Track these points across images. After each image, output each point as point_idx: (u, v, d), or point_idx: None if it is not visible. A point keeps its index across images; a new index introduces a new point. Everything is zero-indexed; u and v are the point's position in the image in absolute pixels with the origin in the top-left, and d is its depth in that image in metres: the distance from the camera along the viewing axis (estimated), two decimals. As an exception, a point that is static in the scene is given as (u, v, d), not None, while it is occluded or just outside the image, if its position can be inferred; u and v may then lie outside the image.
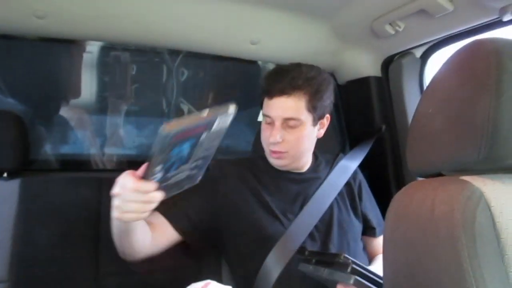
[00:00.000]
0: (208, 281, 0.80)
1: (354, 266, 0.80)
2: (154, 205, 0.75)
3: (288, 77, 1.01)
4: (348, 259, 0.81)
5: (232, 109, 0.69)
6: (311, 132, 1.06)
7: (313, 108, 1.02)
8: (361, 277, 0.79)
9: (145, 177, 0.71)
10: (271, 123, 1.03)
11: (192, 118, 0.65)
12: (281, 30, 1.25)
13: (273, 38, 1.27)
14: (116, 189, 0.74)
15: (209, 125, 0.67)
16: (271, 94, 1.02)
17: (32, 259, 1.03)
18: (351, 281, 0.78)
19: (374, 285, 0.80)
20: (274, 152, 1.05)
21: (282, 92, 1.01)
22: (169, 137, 0.62)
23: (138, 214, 0.75)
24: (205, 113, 0.65)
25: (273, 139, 1.02)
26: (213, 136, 0.70)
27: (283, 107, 1.01)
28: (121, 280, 1.10)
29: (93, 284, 1.06)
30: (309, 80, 1.02)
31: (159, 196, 0.73)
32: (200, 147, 0.70)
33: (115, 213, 0.75)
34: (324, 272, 0.86)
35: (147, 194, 0.72)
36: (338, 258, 0.83)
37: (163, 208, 1.00)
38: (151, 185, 0.71)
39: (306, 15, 1.21)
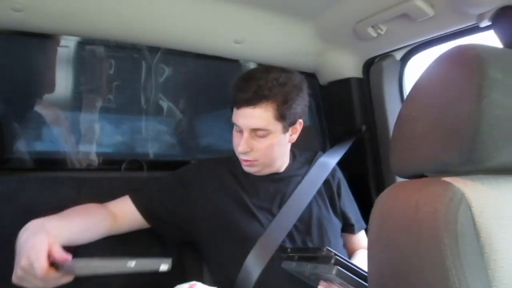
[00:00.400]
0: (194, 282, 0.80)
1: (337, 257, 0.81)
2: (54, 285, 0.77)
3: (254, 86, 0.98)
4: (331, 251, 0.82)
5: (164, 267, 0.71)
6: (282, 139, 1.05)
7: (282, 116, 1.00)
8: (344, 268, 0.80)
9: (58, 266, 0.74)
10: (241, 131, 1.03)
11: (109, 265, 0.70)
12: (265, 30, 1.25)
13: (257, 38, 1.27)
14: (24, 260, 0.75)
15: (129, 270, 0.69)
16: (238, 104, 1.00)
17: (8, 262, 1.00)
18: (334, 272, 0.79)
19: (357, 276, 0.80)
20: (245, 160, 1.06)
21: (248, 102, 0.98)
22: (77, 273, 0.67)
23: (33, 286, 0.76)
24: (132, 263, 0.69)
25: (241, 149, 1.01)
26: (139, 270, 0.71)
27: (249, 117, 0.99)
28: (101, 282, 1.07)
29: (73, 285, 1.04)
30: (277, 87, 0.99)
31: (64, 281, 0.77)
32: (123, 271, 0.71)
33: (13, 275, 0.76)
34: (307, 267, 0.86)
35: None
36: (321, 251, 0.84)
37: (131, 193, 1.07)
38: (57, 275, 0.74)
39: (290, 16, 1.22)
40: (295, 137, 1.10)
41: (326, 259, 0.82)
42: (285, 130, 1.04)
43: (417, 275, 0.53)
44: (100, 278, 1.07)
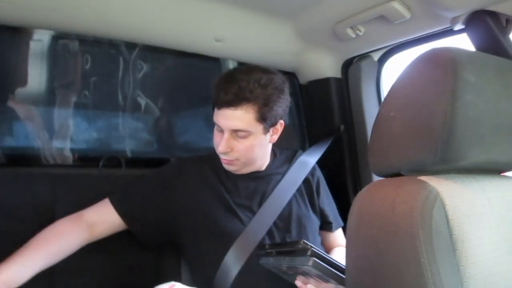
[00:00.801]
0: (173, 283, 0.79)
1: (313, 249, 0.82)
2: None
3: (235, 88, 0.97)
4: (307, 244, 0.84)
5: None
6: (262, 139, 1.05)
7: (263, 118, 1.00)
8: (320, 260, 0.82)
9: None
10: (222, 131, 1.02)
11: None
12: (246, 29, 1.25)
13: (238, 36, 1.27)
14: None
15: None
16: (218, 105, 1.00)
17: None
18: (310, 263, 0.80)
19: (333, 268, 0.82)
20: (225, 159, 1.06)
21: (228, 104, 0.97)
22: None
23: None
24: None
25: (221, 149, 1.01)
26: None
27: (230, 119, 0.98)
28: (76, 278, 1.05)
29: (47, 281, 1.01)
30: (259, 89, 0.98)
31: None
32: None
33: None
34: (284, 261, 0.88)
35: None
36: (298, 244, 0.85)
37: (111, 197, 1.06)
38: None
39: (270, 15, 1.22)
40: (276, 137, 1.10)
41: (302, 252, 0.83)
42: (266, 131, 1.04)
43: (393, 271, 0.55)
44: (78, 279, 1.06)
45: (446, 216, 0.56)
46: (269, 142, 1.10)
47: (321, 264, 0.81)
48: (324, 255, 0.83)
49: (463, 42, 1.00)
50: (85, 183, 1.15)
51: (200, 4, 1.12)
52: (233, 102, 0.97)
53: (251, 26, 1.25)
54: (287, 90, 1.06)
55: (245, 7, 1.17)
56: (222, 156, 1.05)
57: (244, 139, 1.01)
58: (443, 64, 0.59)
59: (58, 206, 1.05)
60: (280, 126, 1.09)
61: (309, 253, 0.82)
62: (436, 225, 0.54)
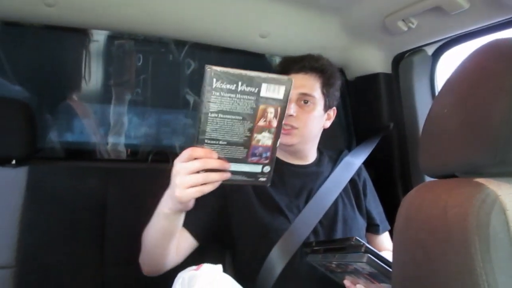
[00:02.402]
0: (201, 264, 0.80)
1: (367, 246, 0.81)
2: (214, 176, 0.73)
3: (306, 59, 1.09)
4: (360, 241, 0.82)
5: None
6: (321, 116, 1.10)
7: (326, 92, 1.09)
8: (373, 257, 0.80)
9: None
10: None
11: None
12: (291, 24, 1.25)
13: (283, 32, 1.26)
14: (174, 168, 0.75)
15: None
16: (290, 71, 1.08)
17: (38, 246, 1.04)
18: (364, 259, 0.79)
19: (386, 265, 0.80)
20: (285, 129, 1.04)
21: (300, 69, 1.07)
22: (211, 74, 0.62)
23: (199, 188, 0.73)
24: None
25: (288, 111, 1.01)
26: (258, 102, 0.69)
27: (300, 82, 1.06)
28: (125, 269, 1.10)
29: (98, 272, 1.07)
30: (324, 66, 1.09)
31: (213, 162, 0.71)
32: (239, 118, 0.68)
33: (176, 192, 0.74)
34: (335, 258, 0.87)
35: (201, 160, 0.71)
36: (350, 241, 0.84)
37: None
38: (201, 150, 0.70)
39: (316, 10, 1.21)
40: (328, 124, 1.14)
41: (355, 248, 0.82)
42: (325, 109, 1.10)
43: (444, 280, 0.51)
44: (127, 271, 1.11)
45: (507, 223, 0.51)
46: (323, 126, 1.13)
47: (376, 261, 0.80)
48: (377, 253, 0.81)
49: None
50: (135, 177, 1.20)
51: (245, 0, 1.13)
52: (305, 68, 1.07)
53: (296, 21, 1.24)
54: (340, 80, 1.16)
55: (289, 2, 1.16)
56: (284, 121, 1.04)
57: (308, 107, 1.07)
58: (506, 56, 0.54)
59: (109, 198, 1.10)
60: (333, 113, 1.15)
61: (363, 249, 0.80)
62: (494, 232, 0.49)
